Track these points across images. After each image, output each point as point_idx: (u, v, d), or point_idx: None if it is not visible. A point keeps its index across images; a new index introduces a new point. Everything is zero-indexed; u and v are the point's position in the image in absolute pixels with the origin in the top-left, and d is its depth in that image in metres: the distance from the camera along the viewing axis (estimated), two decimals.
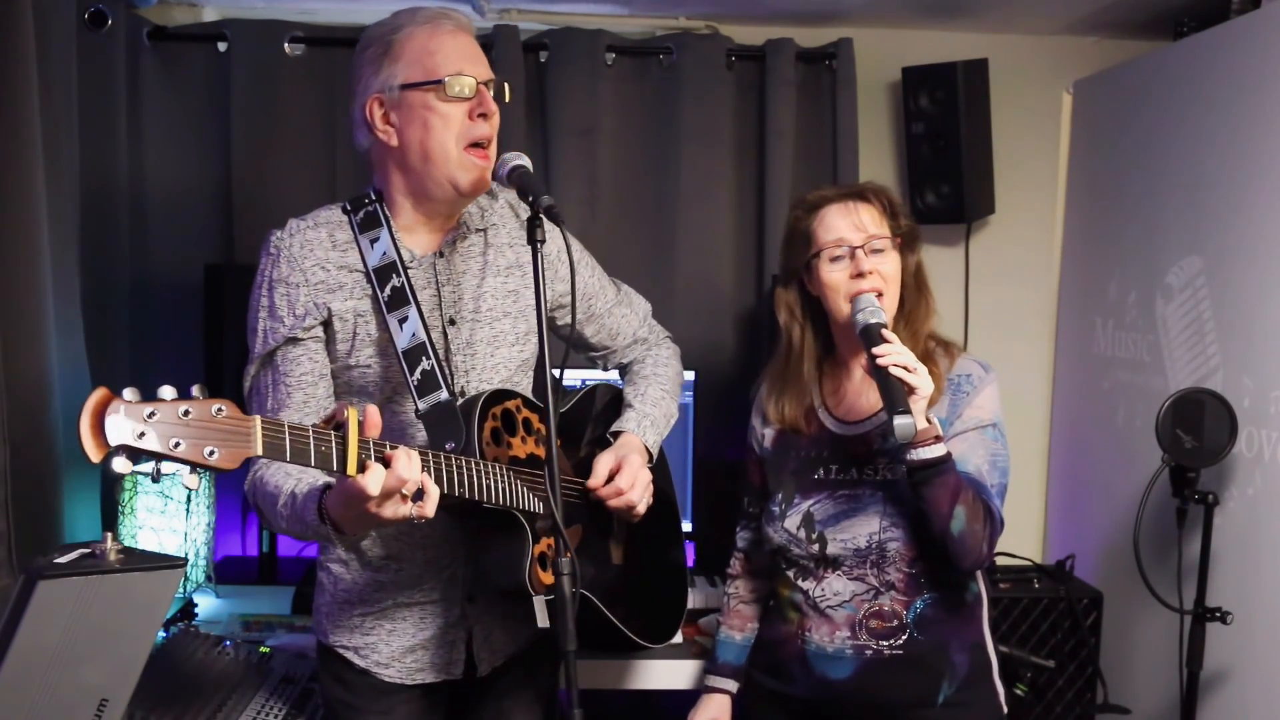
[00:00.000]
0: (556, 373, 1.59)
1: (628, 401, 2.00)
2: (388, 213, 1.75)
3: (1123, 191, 2.82)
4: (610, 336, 2.03)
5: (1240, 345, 2.33)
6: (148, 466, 1.25)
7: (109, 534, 1.62)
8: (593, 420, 2.01)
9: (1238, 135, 2.34)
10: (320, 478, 1.60)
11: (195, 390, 1.26)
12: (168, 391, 1.23)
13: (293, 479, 1.62)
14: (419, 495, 1.47)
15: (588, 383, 2.09)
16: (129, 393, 1.20)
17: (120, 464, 1.20)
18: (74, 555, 1.57)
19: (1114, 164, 2.88)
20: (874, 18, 2.95)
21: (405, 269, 1.72)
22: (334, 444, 1.38)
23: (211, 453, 1.24)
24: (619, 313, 2.03)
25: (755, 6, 2.88)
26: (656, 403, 1.99)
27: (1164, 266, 2.59)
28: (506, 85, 1.74)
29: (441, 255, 1.78)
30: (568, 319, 1.94)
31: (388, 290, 1.70)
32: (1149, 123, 2.70)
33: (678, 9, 2.94)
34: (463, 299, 1.78)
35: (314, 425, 1.39)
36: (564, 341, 1.95)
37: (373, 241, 1.73)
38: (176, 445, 1.22)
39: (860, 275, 1.83)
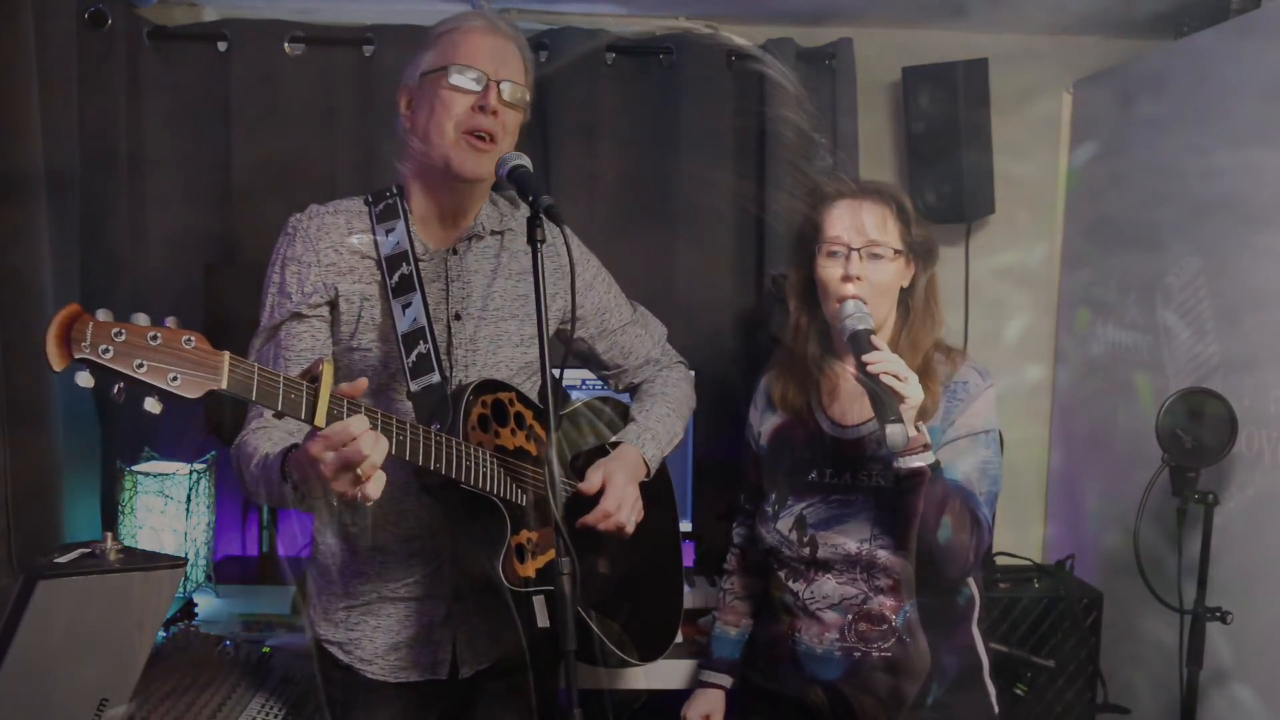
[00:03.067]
0: (556, 372, 1.59)
1: (632, 415, 2.00)
2: (406, 206, 1.79)
3: (1123, 191, 2.81)
4: (622, 355, 2.04)
5: (1240, 345, 2.33)
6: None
7: (109, 534, 1.63)
8: (594, 431, 2.00)
9: (1238, 135, 2.34)
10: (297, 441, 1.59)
11: (169, 321, 1.26)
12: (141, 318, 1.24)
13: (270, 443, 1.65)
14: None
15: (586, 384, 2.08)
16: (101, 313, 1.21)
17: (83, 379, 1.20)
18: (74, 555, 1.58)
19: (1114, 164, 2.88)
20: (874, 18, 2.95)
21: (416, 260, 1.75)
22: (305, 393, 1.38)
23: (175, 379, 1.25)
24: (633, 332, 2.04)
25: (755, 6, 2.88)
26: (661, 419, 1.99)
27: (1164, 266, 2.59)
28: (526, 93, 1.75)
29: (455, 252, 1.80)
30: (579, 333, 1.97)
31: (395, 277, 1.74)
32: (1149, 123, 2.70)
33: (678, 9, 2.94)
34: (470, 296, 1.80)
35: (287, 376, 1.39)
36: (577, 353, 1.98)
37: (388, 232, 1.77)
38: (140, 366, 1.22)
39: (847, 279, 1.82)
